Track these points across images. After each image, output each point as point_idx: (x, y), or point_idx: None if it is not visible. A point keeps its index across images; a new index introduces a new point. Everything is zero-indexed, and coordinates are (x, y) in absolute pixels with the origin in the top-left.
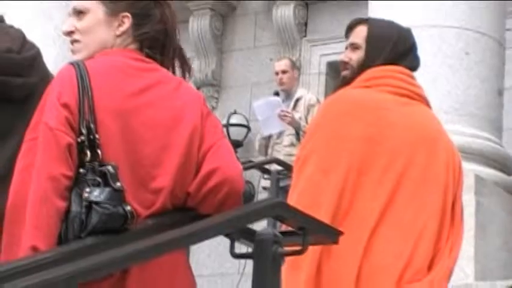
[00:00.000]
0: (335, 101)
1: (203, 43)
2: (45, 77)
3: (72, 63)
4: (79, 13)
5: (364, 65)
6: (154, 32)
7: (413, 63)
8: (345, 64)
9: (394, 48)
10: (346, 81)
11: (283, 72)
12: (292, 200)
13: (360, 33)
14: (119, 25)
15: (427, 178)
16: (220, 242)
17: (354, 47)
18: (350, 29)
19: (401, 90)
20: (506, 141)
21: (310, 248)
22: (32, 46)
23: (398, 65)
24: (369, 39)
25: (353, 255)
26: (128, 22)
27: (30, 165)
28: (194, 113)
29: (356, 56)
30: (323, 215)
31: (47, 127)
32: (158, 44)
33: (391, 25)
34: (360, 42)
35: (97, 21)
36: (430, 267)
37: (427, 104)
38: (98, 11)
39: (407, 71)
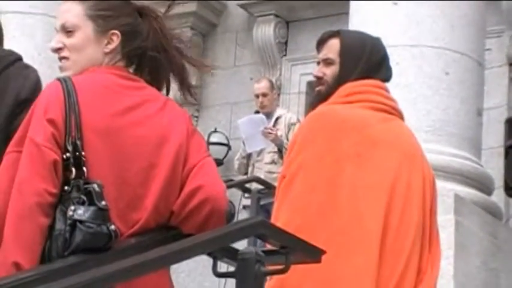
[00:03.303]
0: (321, 117)
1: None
2: None
3: (59, 79)
4: (68, 30)
5: (340, 80)
6: (143, 49)
7: (386, 75)
8: (319, 79)
9: (368, 60)
10: (322, 97)
11: (264, 95)
12: (281, 219)
13: (333, 47)
14: (108, 43)
15: (410, 195)
16: (200, 261)
17: (327, 62)
18: (322, 42)
19: (380, 106)
20: (485, 160)
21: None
22: None
23: (372, 78)
24: (343, 53)
25: (368, 281)
26: (116, 40)
27: (13, 178)
28: (180, 131)
29: (330, 71)
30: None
31: (33, 143)
32: (146, 60)
33: (363, 36)
34: (334, 56)
35: (86, 38)
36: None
37: (402, 117)
38: (87, 29)
39: (383, 84)
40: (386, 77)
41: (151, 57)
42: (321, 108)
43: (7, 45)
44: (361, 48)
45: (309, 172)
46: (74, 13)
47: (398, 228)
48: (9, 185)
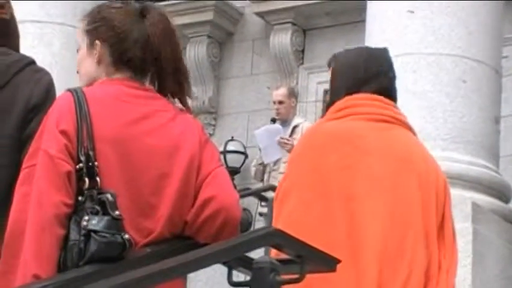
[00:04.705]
0: (311, 134)
1: (200, 70)
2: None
3: (70, 90)
4: (78, 47)
5: (332, 98)
6: (140, 54)
7: (382, 85)
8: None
9: (355, 76)
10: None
11: (280, 102)
12: None
13: (330, 71)
14: (95, 53)
15: (408, 201)
16: (217, 270)
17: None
18: (329, 66)
19: (374, 116)
20: (503, 168)
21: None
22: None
23: (361, 92)
24: (333, 72)
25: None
26: (99, 48)
27: (29, 193)
28: (192, 141)
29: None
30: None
31: (47, 155)
32: (147, 67)
33: (357, 53)
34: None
35: (83, 53)
36: None
37: (407, 126)
38: (84, 44)
39: (374, 96)
40: (382, 88)
41: (152, 64)
42: (312, 126)
43: (25, 54)
44: (348, 66)
45: (300, 188)
46: (79, 31)
47: (397, 234)
48: (22, 202)
